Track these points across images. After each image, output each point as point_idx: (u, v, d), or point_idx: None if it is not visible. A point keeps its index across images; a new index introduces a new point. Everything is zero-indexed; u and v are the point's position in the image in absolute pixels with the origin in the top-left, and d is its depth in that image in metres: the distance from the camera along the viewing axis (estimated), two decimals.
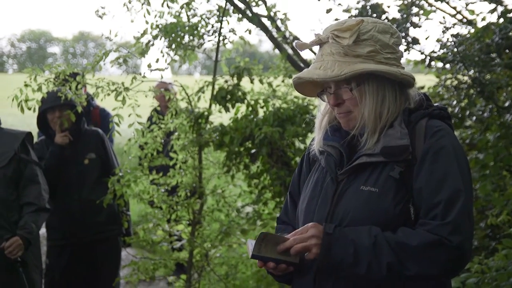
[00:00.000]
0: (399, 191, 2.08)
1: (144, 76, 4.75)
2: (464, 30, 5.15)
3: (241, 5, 5.18)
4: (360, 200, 2.11)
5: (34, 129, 5.18)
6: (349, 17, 4.94)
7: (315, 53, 2.32)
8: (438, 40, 4.88)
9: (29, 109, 4.38)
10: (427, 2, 5.02)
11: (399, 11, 4.88)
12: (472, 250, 2.05)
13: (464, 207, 2.02)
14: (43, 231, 4.80)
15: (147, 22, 5.04)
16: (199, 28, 5.09)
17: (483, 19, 5.08)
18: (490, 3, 4.89)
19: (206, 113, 5.05)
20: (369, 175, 2.13)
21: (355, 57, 2.13)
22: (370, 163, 2.14)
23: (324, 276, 2.15)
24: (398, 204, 2.07)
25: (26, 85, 4.32)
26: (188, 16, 5.10)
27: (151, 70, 4.91)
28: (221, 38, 5.17)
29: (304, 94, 2.36)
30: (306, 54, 6.03)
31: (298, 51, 2.24)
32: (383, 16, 4.86)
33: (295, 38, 5.42)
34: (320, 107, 2.35)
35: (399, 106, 2.19)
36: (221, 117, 5.20)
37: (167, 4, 5.05)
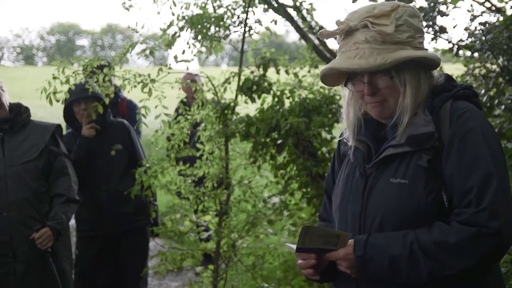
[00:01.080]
0: (430, 180, 2.03)
1: (170, 68, 4.77)
2: (492, 18, 5.07)
3: None
4: (391, 193, 2.08)
5: (62, 122, 5.23)
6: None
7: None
8: (466, 29, 4.82)
9: (58, 101, 4.43)
10: None
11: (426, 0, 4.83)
12: None
13: (498, 190, 1.96)
14: (72, 222, 4.87)
15: (173, 14, 5.06)
16: (225, 19, 5.09)
17: None
18: None
19: (232, 104, 5.06)
20: (398, 167, 2.09)
21: (393, 43, 2.07)
22: (397, 154, 2.10)
23: (368, 283, 2.14)
24: (430, 194, 2.03)
25: (54, 78, 4.37)
26: (214, 7, 5.10)
27: (178, 62, 4.93)
28: (247, 29, 5.17)
29: (328, 84, 2.28)
30: (332, 44, 6.01)
31: (324, 40, 2.20)
32: (411, 5, 4.81)
33: (321, 28, 5.39)
34: (344, 97, 2.28)
35: (428, 90, 2.14)
36: (247, 108, 5.20)
37: None
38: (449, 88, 2.15)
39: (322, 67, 2.35)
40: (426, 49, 2.16)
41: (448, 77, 2.21)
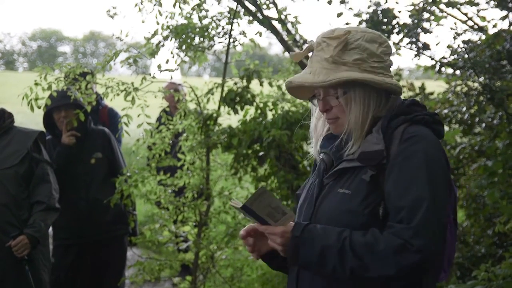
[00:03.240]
0: (370, 194, 2.16)
1: (153, 77, 4.77)
2: (475, 36, 5.13)
3: (252, 8, 5.18)
4: (335, 201, 2.22)
5: (42, 128, 5.19)
6: (359, 22, 4.95)
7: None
8: (448, 46, 4.87)
9: (39, 107, 4.40)
10: (438, 8, 5.00)
11: (410, 16, 4.87)
12: (439, 254, 2.14)
13: (427, 213, 2.07)
14: (50, 230, 4.82)
15: (158, 23, 5.05)
16: (209, 30, 5.10)
17: (494, 26, 5.07)
18: (501, 10, 4.87)
19: (214, 114, 5.06)
20: (347, 179, 2.23)
21: (342, 64, 2.22)
22: (349, 168, 2.23)
23: (305, 273, 2.28)
24: (368, 206, 2.15)
25: (36, 84, 4.34)
26: (199, 17, 5.11)
27: (161, 71, 4.93)
28: (231, 40, 5.18)
29: (296, 97, 2.46)
30: None
31: (296, 61, 2.38)
32: (394, 21, 4.85)
33: (305, 41, 5.41)
34: (313, 111, 2.44)
35: (381, 113, 2.25)
36: (229, 119, 5.21)
37: (179, 5, 5.06)
38: (409, 112, 2.25)
39: None
40: (385, 74, 2.25)
41: (413, 103, 2.31)
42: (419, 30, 4.79)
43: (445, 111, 5.36)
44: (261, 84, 5.18)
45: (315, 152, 2.41)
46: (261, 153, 4.96)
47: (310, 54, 2.35)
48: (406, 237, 2.05)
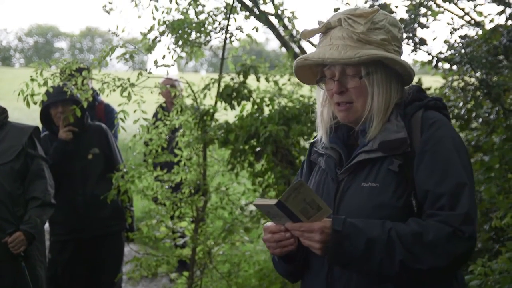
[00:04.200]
0: (400, 184, 2.06)
1: (150, 72, 4.75)
2: (472, 31, 5.13)
3: (249, 3, 5.17)
4: (362, 196, 2.09)
5: (39, 124, 5.18)
6: None
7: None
8: (445, 41, 4.87)
9: (35, 103, 4.39)
10: (435, 3, 5.00)
11: (407, 11, 4.87)
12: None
13: (470, 197, 2.01)
14: (46, 225, 4.81)
15: (154, 18, 5.03)
16: (206, 25, 5.08)
17: (491, 21, 5.06)
18: (498, 5, 4.87)
19: (211, 110, 5.05)
20: (369, 172, 2.11)
21: (367, 43, 2.10)
22: (369, 159, 2.12)
23: (337, 275, 2.12)
24: (400, 198, 2.06)
25: (32, 80, 4.32)
26: (196, 12, 5.09)
27: (157, 67, 4.91)
28: (228, 35, 5.16)
29: (302, 80, 2.31)
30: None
31: (306, 40, 2.24)
32: (394, 16, 4.84)
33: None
34: (319, 97, 2.30)
35: (398, 99, 2.18)
36: (226, 115, 5.19)
37: (176, 1, 5.04)
38: (421, 98, 2.19)
39: None
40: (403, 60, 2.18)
41: (419, 89, 2.25)
42: (416, 25, 4.78)
43: None
44: (258, 80, 5.17)
45: (326, 142, 2.26)
46: (258, 149, 4.96)
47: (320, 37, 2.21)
48: (456, 224, 1.97)
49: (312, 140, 2.41)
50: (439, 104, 2.20)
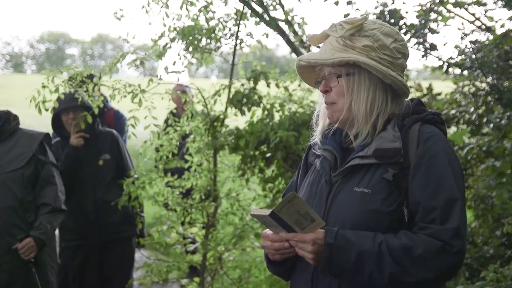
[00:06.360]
0: (392, 193, 2.12)
1: (160, 79, 4.77)
2: (482, 36, 5.10)
3: (259, 9, 5.18)
4: (353, 201, 2.15)
5: (50, 130, 5.20)
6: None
7: None
8: (456, 47, 4.85)
9: (47, 110, 4.41)
10: (445, 8, 4.98)
11: (417, 17, 4.85)
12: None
13: (461, 213, 2.07)
14: (57, 231, 4.83)
15: (165, 25, 5.06)
16: (216, 31, 5.10)
17: (502, 26, 5.04)
18: (509, 10, 4.85)
19: (222, 116, 5.05)
20: (362, 177, 2.17)
21: (351, 48, 2.19)
22: (363, 165, 2.17)
23: (323, 275, 2.18)
24: (390, 205, 2.11)
25: (43, 86, 4.35)
26: (206, 19, 5.11)
27: (168, 73, 4.93)
28: (238, 41, 5.18)
29: (306, 81, 2.41)
30: None
31: (315, 46, 2.32)
32: (401, 22, 4.83)
33: None
34: (320, 98, 2.38)
35: (391, 110, 2.22)
36: (236, 121, 5.20)
37: (186, 7, 5.06)
38: (419, 112, 2.25)
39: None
40: (393, 70, 2.20)
41: (419, 102, 2.30)
42: (426, 30, 4.77)
43: (453, 111, 5.34)
44: (268, 86, 5.18)
45: (319, 142, 2.34)
46: (268, 155, 4.96)
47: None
48: (446, 238, 2.03)
49: (310, 143, 2.47)
50: (436, 118, 2.25)
